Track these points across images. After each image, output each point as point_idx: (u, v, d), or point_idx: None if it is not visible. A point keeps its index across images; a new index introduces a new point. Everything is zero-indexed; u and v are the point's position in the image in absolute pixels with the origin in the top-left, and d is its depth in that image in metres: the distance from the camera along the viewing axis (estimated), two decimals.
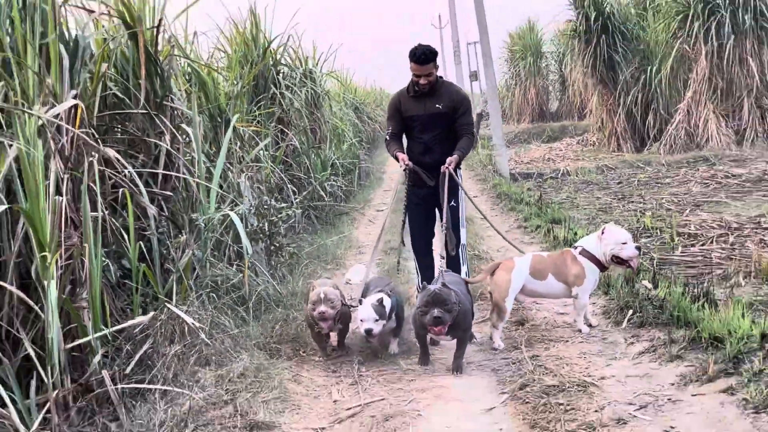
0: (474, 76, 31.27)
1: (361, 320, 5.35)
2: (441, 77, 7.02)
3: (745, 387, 4.18)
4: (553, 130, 28.62)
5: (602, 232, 6.08)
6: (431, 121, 6.92)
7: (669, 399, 4.52)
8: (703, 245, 8.28)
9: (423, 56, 6.63)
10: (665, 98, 19.61)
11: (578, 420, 4.33)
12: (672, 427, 4.15)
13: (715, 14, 17.67)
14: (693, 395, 4.49)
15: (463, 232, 7.13)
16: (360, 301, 5.71)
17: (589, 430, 4.18)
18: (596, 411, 4.45)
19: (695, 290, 5.95)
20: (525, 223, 10.96)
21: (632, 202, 12.17)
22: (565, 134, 26.58)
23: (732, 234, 8.59)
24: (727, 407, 4.18)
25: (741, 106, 17.80)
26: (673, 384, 4.72)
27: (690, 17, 18.19)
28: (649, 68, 19.93)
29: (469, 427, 4.59)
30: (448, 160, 6.66)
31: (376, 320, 5.16)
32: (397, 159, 6.99)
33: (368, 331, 5.21)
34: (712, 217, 9.86)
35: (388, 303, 5.39)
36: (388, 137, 7.17)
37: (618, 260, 5.98)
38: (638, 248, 6.13)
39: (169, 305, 5.43)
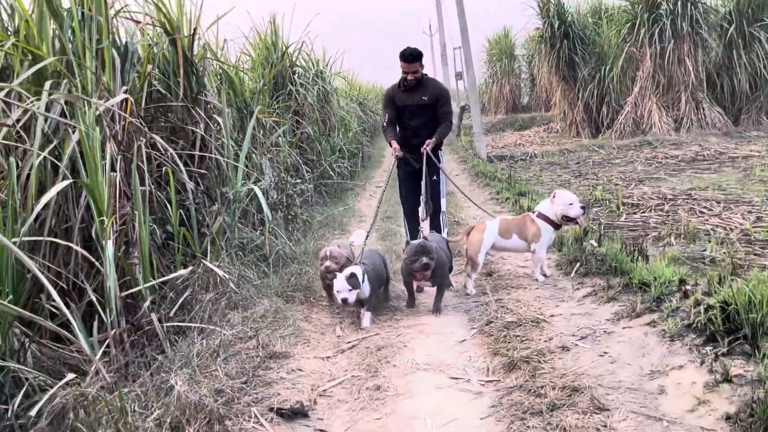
0: (459, 75, 30.99)
1: (337, 291, 5.31)
2: (426, 74, 7.03)
3: (665, 321, 4.29)
4: (524, 120, 28.30)
5: (553, 196, 6.12)
6: (418, 110, 6.96)
7: (604, 331, 4.63)
8: (643, 213, 8.35)
9: (410, 56, 6.69)
10: (616, 92, 19.67)
11: (531, 348, 4.44)
12: (605, 352, 4.27)
13: (658, 22, 17.66)
14: (623, 328, 4.60)
15: (443, 201, 7.19)
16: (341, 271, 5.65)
17: (540, 355, 4.29)
18: (546, 341, 4.58)
19: (631, 247, 6.02)
20: (497, 195, 10.92)
21: (587, 179, 12.09)
22: (534, 124, 26.23)
23: (667, 203, 8.65)
24: (650, 336, 4.28)
25: (679, 99, 17.86)
26: (608, 320, 4.84)
27: (637, 25, 18.28)
28: (603, 67, 20.02)
29: (444, 355, 4.70)
30: (427, 142, 6.73)
31: (350, 290, 5.14)
32: (390, 145, 7.05)
33: (344, 300, 5.21)
34: (652, 190, 9.87)
35: (359, 273, 5.34)
36: (385, 124, 7.18)
37: (567, 219, 6.02)
38: (583, 207, 6.15)
39: (204, 261, 5.52)
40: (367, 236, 6.53)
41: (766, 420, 2.86)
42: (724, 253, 5.81)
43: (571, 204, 6.04)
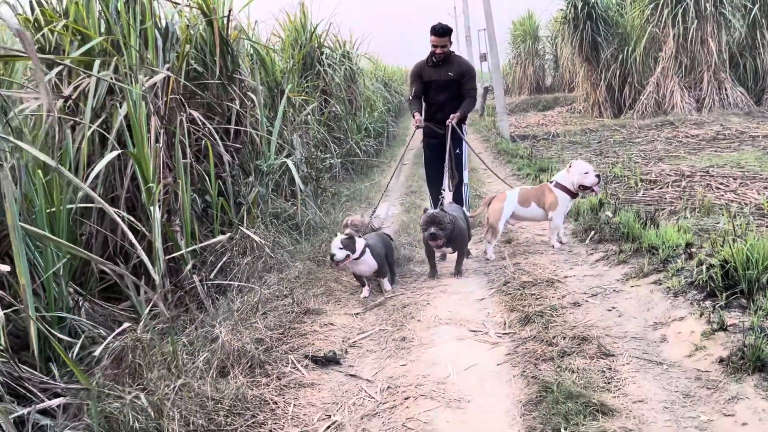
0: (483, 57, 30.78)
1: (331, 249, 5.36)
2: (452, 51, 7.21)
3: (669, 279, 4.54)
4: (547, 101, 28.23)
5: (570, 166, 6.31)
6: (445, 86, 7.13)
7: (614, 290, 4.90)
8: (660, 189, 8.42)
9: (441, 30, 6.89)
10: (639, 73, 19.47)
11: (545, 304, 4.73)
12: (614, 307, 4.55)
13: (681, 2, 17.50)
14: (631, 286, 4.87)
15: (465, 173, 7.39)
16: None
17: (553, 310, 4.57)
18: (559, 298, 4.86)
19: (644, 216, 6.22)
20: (518, 171, 11.05)
21: (608, 157, 12.12)
22: (557, 104, 26.15)
23: (685, 180, 8.71)
24: (655, 293, 4.56)
25: (701, 79, 17.77)
26: (618, 280, 5.09)
27: (660, 5, 18.07)
28: (626, 48, 19.82)
29: (465, 311, 4.99)
30: (452, 116, 6.88)
31: (340, 248, 5.21)
32: (413, 116, 7.21)
33: (331, 256, 5.29)
34: (670, 167, 9.92)
35: (360, 242, 5.43)
36: (411, 96, 7.35)
37: (584, 187, 6.19)
38: (598, 176, 6.27)
39: (241, 228, 5.80)
40: (388, 209, 6.79)
41: (755, 361, 3.16)
42: (728, 218, 5.97)
43: (586, 173, 6.18)
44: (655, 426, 2.99)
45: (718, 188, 8.02)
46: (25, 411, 2.91)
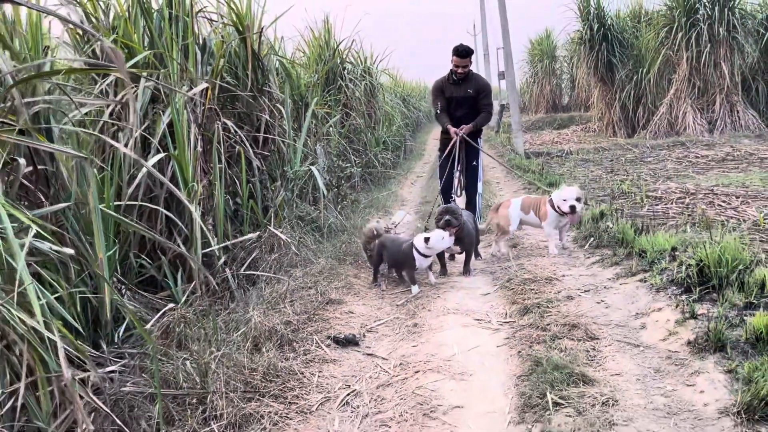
0: (502, 75, 31.06)
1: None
2: (471, 70, 7.63)
3: (653, 278, 4.95)
4: (563, 119, 28.03)
5: (561, 189, 6.68)
6: (464, 101, 7.57)
7: (604, 287, 5.30)
8: (665, 205, 8.57)
9: (464, 52, 7.35)
10: (652, 94, 19.43)
11: (542, 298, 5.13)
12: (602, 300, 4.97)
13: (695, 26, 17.65)
14: (620, 284, 5.27)
15: (480, 185, 7.78)
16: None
17: (549, 303, 4.98)
18: (555, 293, 5.26)
19: (640, 226, 6.49)
20: (529, 185, 11.26)
21: (618, 174, 12.21)
22: (572, 123, 26.04)
23: (689, 197, 8.86)
24: (640, 289, 4.97)
25: (714, 101, 17.85)
26: (609, 279, 5.50)
27: (674, 29, 18.16)
28: (640, 70, 19.83)
29: (471, 303, 5.41)
30: (462, 127, 7.34)
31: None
32: (447, 131, 7.58)
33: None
34: (677, 185, 10.05)
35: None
36: (438, 112, 7.76)
37: (562, 212, 6.47)
38: (572, 207, 6.40)
39: (269, 227, 6.19)
40: (404, 216, 7.15)
41: (716, 342, 3.63)
42: (704, 219, 6.40)
43: (564, 200, 6.45)
44: (626, 393, 3.44)
45: (720, 205, 8.18)
46: (107, 369, 3.42)
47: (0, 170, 3.14)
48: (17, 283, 2.71)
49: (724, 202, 8.43)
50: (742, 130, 17.16)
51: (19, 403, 2.68)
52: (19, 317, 2.69)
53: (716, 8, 17.48)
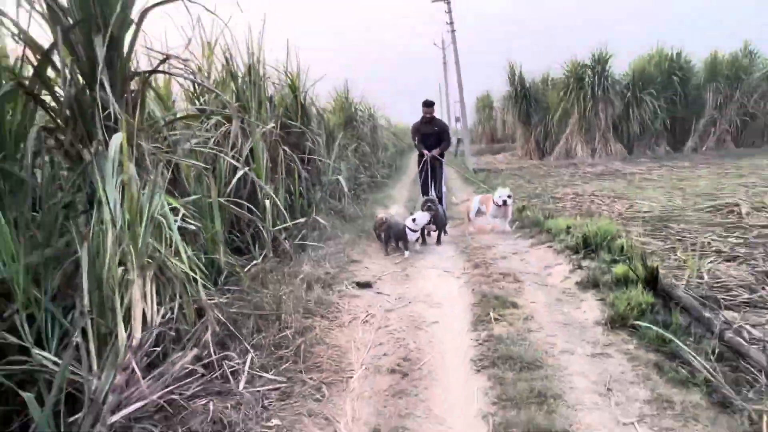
0: (458, 119, 31.08)
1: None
2: (434, 116, 7.70)
3: (556, 245, 5.15)
4: (497, 148, 27.68)
5: (496, 190, 6.68)
6: (431, 135, 7.63)
7: (525, 251, 5.47)
8: (563, 202, 8.68)
9: (429, 104, 7.47)
10: (555, 132, 19.34)
11: (487, 257, 5.30)
12: (524, 259, 5.15)
13: (582, 89, 17.65)
14: (535, 249, 5.45)
15: (444, 187, 7.86)
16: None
17: (491, 260, 5.15)
18: (494, 255, 5.39)
19: (547, 214, 6.68)
20: (477, 190, 11.08)
21: (532, 183, 12.20)
22: (504, 150, 25.65)
23: (578, 198, 9.02)
24: (547, 252, 5.16)
25: (594, 137, 17.91)
26: (528, 246, 5.68)
27: (569, 90, 18.19)
28: (547, 116, 19.75)
29: (441, 262, 5.51)
30: (433, 151, 7.46)
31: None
32: (421, 152, 7.65)
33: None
34: (571, 190, 10.17)
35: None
36: (416, 142, 7.81)
37: (498, 204, 6.51)
38: (504, 201, 6.38)
39: (312, 215, 6.31)
40: (397, 209, 7.28)
41: (593, 283, 3.86)
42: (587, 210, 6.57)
43: (500, 197, 6.45)
44: (539, 313, 3.64)
45: (599, 203, 8.25)
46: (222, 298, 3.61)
47: (161, 175, 3.30)
48: (173, 243, 2.93)
49: (600, 201, 8.53)
50: (613, 156, 17.26)
51: (175, 314, 2.89)
52: (174, 262, 2.90)
53: (596, 77, 17.54)
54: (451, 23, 19.60)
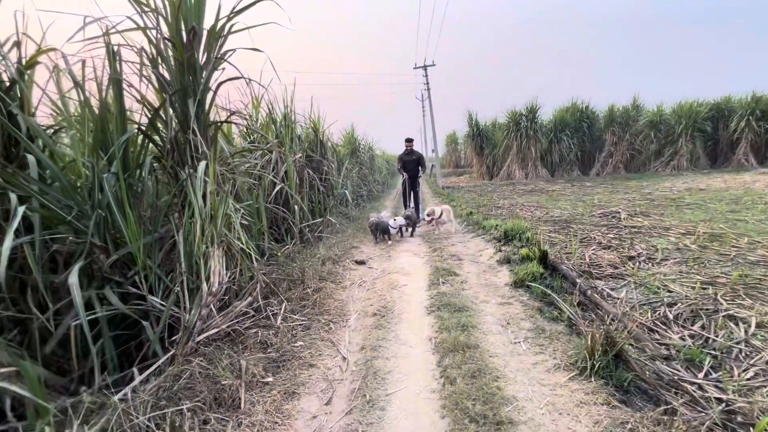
0: (432, 151, 31.42)
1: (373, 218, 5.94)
2: (413, 148, 7.71)
3: (486, 236, 5.35)
4: (460, 172, 27.81)
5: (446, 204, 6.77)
6: (411, 162, 7.59)
7: (467, 241, 5.62)
8: (502, 210, 8.64)
9: (410, 140, 7.51)
10: (500, 160, 19.13)
11: (441, 245, 5.47)
12: (466, 245, 5.32)
13: (519, 130, 17.76)
14: (473, 239, 5.61)
15: (420, 199, 7.92)
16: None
17: (445, 246, 5.31)
18: (447, 244, 5.57)
19: (485, 217, 6.80)
20: (443, 201, 11.09)
21: (483, 196, 12.12)
22: (465, 173, 25.65)
23: (514, 207, 9.01)
24: (481, 242, 5.34)
25: (528, 164, 17.97)
26: (470, 238, 5.79)
27: (510, 130, 18.11)
28: (495, 149, 19.50)
29: (412, 248, 5.65)
30: (410, 176, 7.57)
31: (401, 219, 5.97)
32: (402, 174, 7.70)
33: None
34: (508, 201, 10.21)
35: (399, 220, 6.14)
36: (399, 168, 7.78)
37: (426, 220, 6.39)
38: (429, 214, 6.32)
39: (326, 216, 6.50)
40: (385, 213, 7.57)
41: (507, 260, 4.16)
42: (510, 217, 6.54)
43: (431, 214, 6.41)
44: (471, 279, 3.92)
45: (527, 210, 8.37)
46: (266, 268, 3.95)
47: (229, 188, 3.66)
48: (236, 231, 3.30)
49: (528, 209, 8.61)
50: (540, 178, 17.42)
51: (236, 276, 3.26)
52: (236, 243, 3.27)
53: (529, 122, 17.75)
54: (427, 83, 19.89)
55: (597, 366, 2.20)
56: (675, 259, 4.21)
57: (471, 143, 21.22)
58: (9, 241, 2.07)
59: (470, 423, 1.90)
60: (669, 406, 1.91)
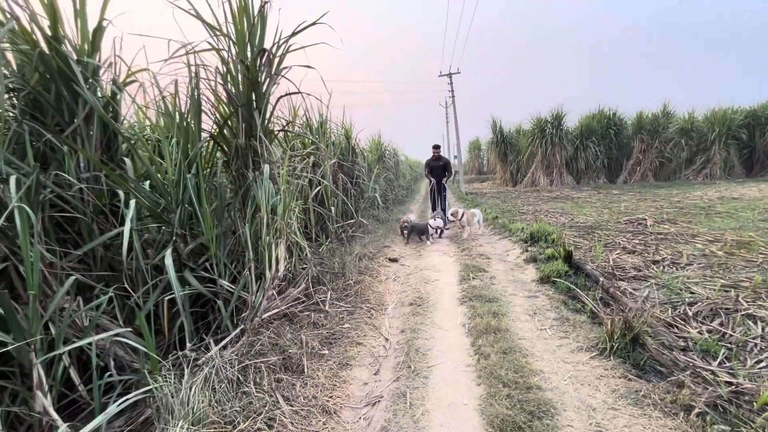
0: (455, 157, 31.44)
1: (406, 221, 6.21)
2: (440, 154, 7.91)
3: (513, 238, 5.56)
4: (483, 178, 27.76)
5: (471, 209, 6.76)
6: (438, 168, 7.70)
7: (494, 242, 5.83)
8: (526, 215, 8.77)
9: (437, 147, 7.68)
10: (524, 167, 19.14)
11: (470, 245, 5.71)
12: (493, 246, 5.57)
13: (544, 136, 17.77)
14: (500, 240, 5.83)
15: (447, 204, 8.04)
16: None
17: (473, 247, 5.54)
18: (475, 244, 5.81)
19: (512, 221, 7.08)
20: (467, 206, 11.29)
21: (506, 202, 12.33)
22: (488, 179, 25.90)
23: (538, 213, 9.22)
24: (508, 242, 5.56)
25: (553, 171, 17.92)
26: (496, 239, 5.99)
27: (534, 137, 18.11)
28: (519, 156, 19.55)
29: (442, 248, 5.93)
30: (443, 180, 7.77)
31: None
32: (430, 179, 7.89)
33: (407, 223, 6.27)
34: (533, 207, 10.30)
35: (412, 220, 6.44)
36: (426, 173, 7.96)
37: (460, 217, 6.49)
38: (453, 214, 6.45)
39: (358, 217, 6.79)
40: (415, 216, 7.84)
41: (533, 260, 4.44)
42: (535, 222, 6.72)
43: (454, 215, 6.52)
44: (499, 275, 4.21)
45: (551, 216, 8.42)
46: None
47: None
48: (293, 226, 3.76)
49: (552, 215, 8.72)
50: (566, 185, 17.44)
51: (293, 265, 3.71)
52: (294, 235, 3.72)
53: (554, 129, 17.73)
54: (452, 91, 20.21)
55: (616, 347, 2.51)
56: (700, 264, 4.29)
57: (495, 149, 21.16)
58: (128, 226, 2.59)
59: (503, 387, 2.26)
60: (675, 377, 2.21)
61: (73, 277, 2.36)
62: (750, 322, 3.27)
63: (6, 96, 2.68)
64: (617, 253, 4.82)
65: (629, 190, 14.85)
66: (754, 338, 3.09)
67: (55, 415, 1.88)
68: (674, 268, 4.21)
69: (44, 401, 1.87)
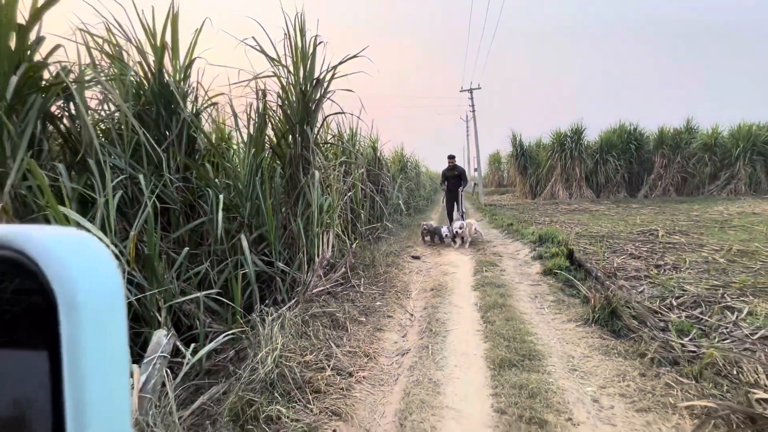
0: (475, 170, 31.84)
1: (427, 227, 6.85)
2: (455, 164, 8.18)
3: (523, 240, 6.16)
4: (503, 190, 28.12)
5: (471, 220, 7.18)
6: (453, 177, 8.17)
7: (507, 243, 6.41)
8: (542, 225, 9.09)
9: (452, 157, 8.18)
10: (543, 180, 19.40)
11: (487, 248, 6.29)
12: (506, 246, 6.14)
13: (564, 150, 18.30)
14: (512, 242, 6.40)
15: (463, 210, 8.61)
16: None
17: (486, 248, 6.19)
18: (489, 245, 6.41)
19: (524, 227, 7.70)
20: (484, 216, 12.21)
21: (524, 214, 12.61)
22: (507, 192, 26.11)
23: (556, 224, 9.53)
24: (519, 244, 6.15)
25: (572, 185, 18.40)
26: (510, 241, 6.58)
27: (554, 151, 18.65)
28: (538, 169, 19.85)
29: (460, 251, 6.57)
30: (459, 190, 8.38)
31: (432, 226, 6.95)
32: (443, 188, 8.48)
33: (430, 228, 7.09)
34: (549, 219, 10.65)
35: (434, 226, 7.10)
36: (441, 183, 8.52)
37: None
38: (456, 229, 6.71)
39: (384, 222, 7.56)
40: (436, 222, 8.62)
41: (539, 256, 5.14)
42: (545, 225, 7.32)
43: (462, 227, 6.75)
44: (508, 269, 4.89)
45: (567, 227, 8.70)
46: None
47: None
48: (334, 219, 4.58)
49: (568, 226, 9.06)
50: (585, 198, 17.74)
51: (334, 252, 4.51)
52: (340, 227, 4.53)
53: (573, 143, 18.12)
54: (473, 106, 20.96)
55: (597, 317, 3.20)
56: (699, 268, 4.64)
57: (514, 163, 21.59)
58: (220, 214, 3.48)
59: (504, 341, 3.00)
60: (636, 334, 2.90)
61: (187, 249, 3.26)
62: (728, 312, 3.82)
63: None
64: (623, 258, 5.27)
65: (649, 204, 14.89)
66: (727, 323, 3.65)
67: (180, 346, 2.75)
68: (674, 272, 4.58)
69: (165, 338, 2.79)
